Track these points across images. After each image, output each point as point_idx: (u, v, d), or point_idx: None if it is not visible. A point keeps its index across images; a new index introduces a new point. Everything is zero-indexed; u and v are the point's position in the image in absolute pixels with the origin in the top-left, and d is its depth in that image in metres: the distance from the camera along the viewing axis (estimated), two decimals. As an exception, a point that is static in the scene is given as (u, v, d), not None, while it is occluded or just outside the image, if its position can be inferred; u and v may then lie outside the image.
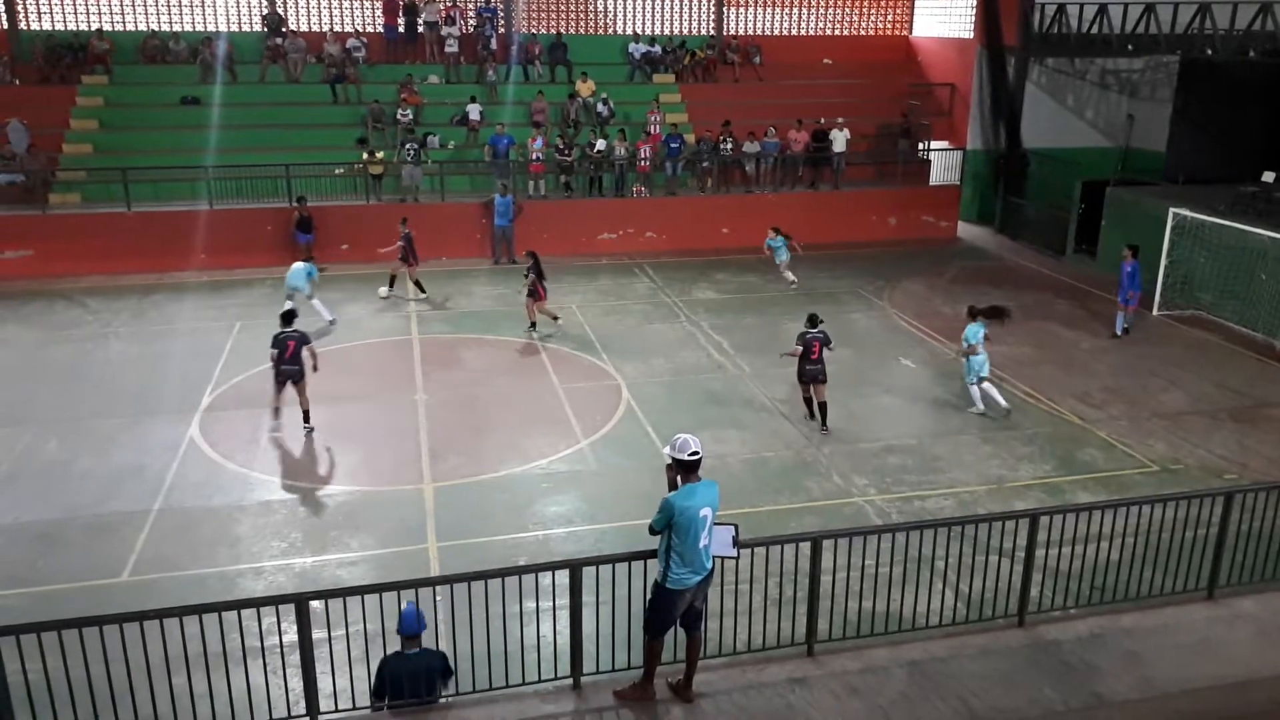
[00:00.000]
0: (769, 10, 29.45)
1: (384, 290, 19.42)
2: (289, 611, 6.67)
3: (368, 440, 13.16)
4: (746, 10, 29.32)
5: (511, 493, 11.67)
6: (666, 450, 6.67)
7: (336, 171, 22.27)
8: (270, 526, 10.83)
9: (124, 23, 25.69)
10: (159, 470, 12.03)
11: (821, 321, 13.45)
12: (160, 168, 21.30)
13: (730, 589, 7.15)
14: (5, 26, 24.69)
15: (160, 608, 6.44)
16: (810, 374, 13.33)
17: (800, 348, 13.24)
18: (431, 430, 13.36)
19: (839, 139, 24.71)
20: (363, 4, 27.02)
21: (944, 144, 26.50)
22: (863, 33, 29.95)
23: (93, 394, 14.49)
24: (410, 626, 6.65)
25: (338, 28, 26.40)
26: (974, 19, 25.96)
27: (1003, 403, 13.88)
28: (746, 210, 23.98)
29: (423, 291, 19.34)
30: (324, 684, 6.72)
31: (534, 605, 7.83)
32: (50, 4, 25.24)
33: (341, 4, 26.94)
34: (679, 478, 6.64)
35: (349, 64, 24.95)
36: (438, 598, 6.98)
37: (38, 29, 24.98)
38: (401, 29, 26.47)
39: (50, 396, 14.32)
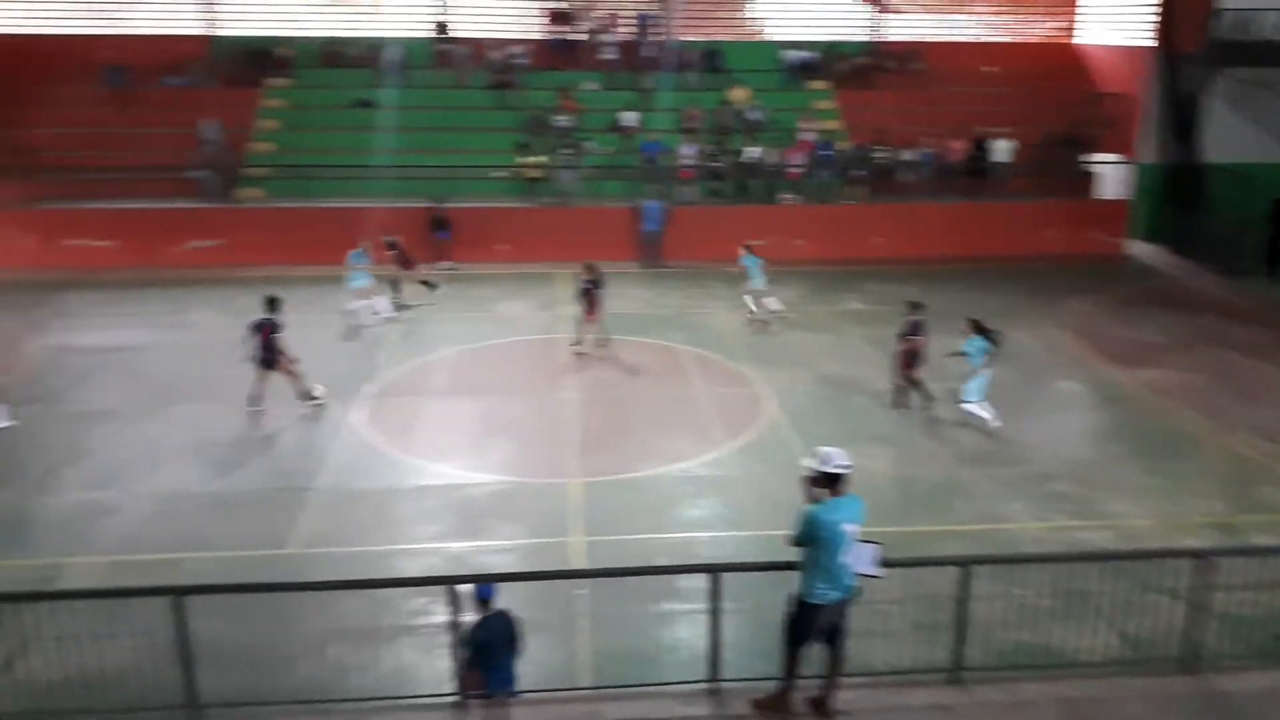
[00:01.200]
0: (928, 16, 28.71)
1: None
2: (440, 593, 6.95)
3: (518, 433, 13.57)
4: (905, 16, 28.69)
5: (654, 493, 11.82)
6: (809, 462, 6.61)
7: (496, 175, 23.04)
8: (424, 510, 11.33)
9: (307, 29, 27.35)
10: (324, 450, 12.77)
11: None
12: (335, 166, 22.53)
13: (874, 608, 7.03)
14: (205, 33, 26.73)
15: (323, 580, 6.82)
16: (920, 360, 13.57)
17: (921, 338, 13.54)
18: (579, 427, 13.67)
19: (1000, 148, 23.84)
20: (526, 13, 27.88)
21: (1113, 156, 25.17)
22: (1026, 39, 28.80)
23: (269, 375, 15.47)
24: (484, 591, 6.80)
25: (504, 35, 27.33)
26: (1149, 26, 24.55)
27: (992, 421, 13.39)
28: (900, 220, 23.46)
29: (433, 287, 19.63)
30: (472, 667, 7.00)
31: (674, 606, 7.93)
32: (243, 12, 27.14)
33: (506, 12, 27.87)
34: (824, 491, 6.57)
35: (511, 70, 25.78)
36: (582, 590, 7.19)
37: (232, 35, 26.91)
38: (562, 37, 27.17)
39: (230, 377, 15.36)
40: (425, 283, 19.70)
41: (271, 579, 6.75)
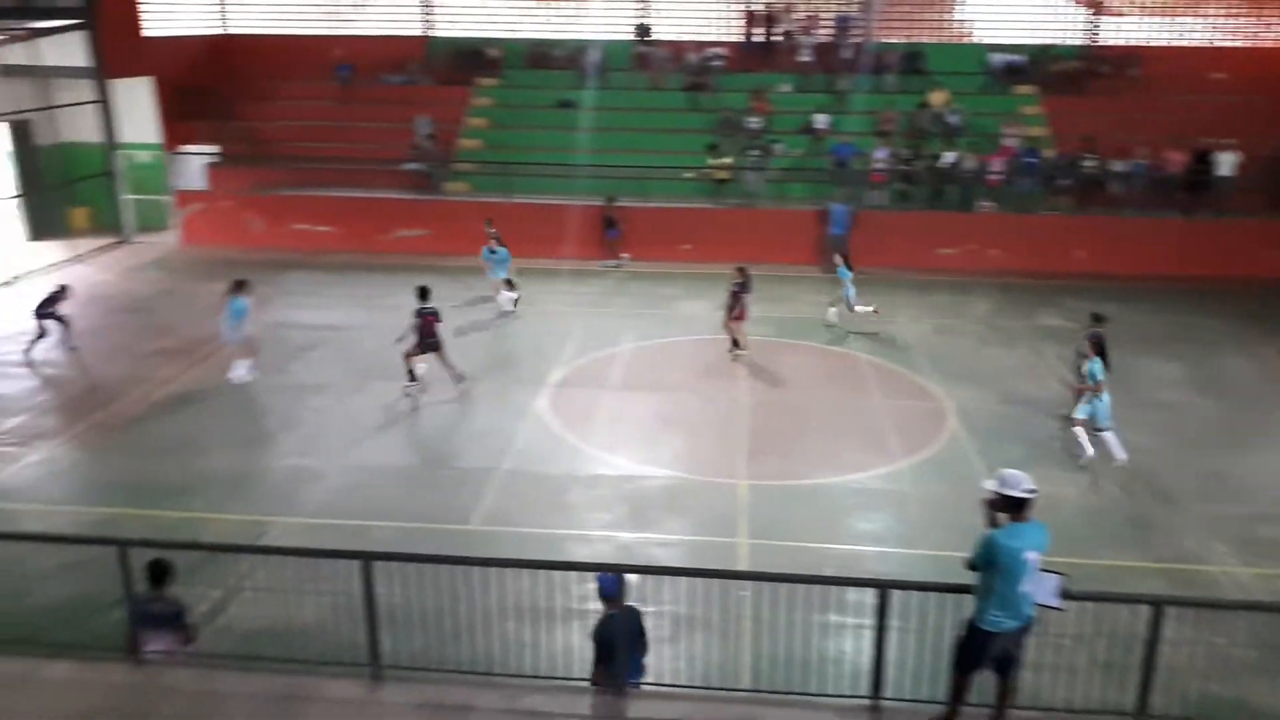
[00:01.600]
0: (1150, 19, 26.80)
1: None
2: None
3: (691, 431, 13.75)
4: (1124, 18, 26.89)
5: (824, 502, 11.71)
6: (991, 484, 6.40)
7: (686, 175, 23.34)
8: (598, 499, 11.69)
9: (516, 31, 28.61)
10: (508, 434, 13.38)
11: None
12: (536, 164, 23.43)
13: (1053, 641, 6.72)
14: (423, 34, 28.48)
15: (500, 558, 7.17)
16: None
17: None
18: (751, 429, 13.71)
19: (1225, 161, 21.98)
20: (727, 15, 28.07)
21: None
22: (1261, 44, 26.37)
23: (461, 359, 16.34)
24: (611, 588, 6.82)
25: (701, 37, 27.62)
26: None
27: (1120, 455, 12.25)
28: (1106, 234, 22.08)
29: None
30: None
31: (838, 619, 7.85)
32: (458, 14, 28.70)
33: (707, 14, 28.16)
34: (1005, 516, 6.35)
35: (707, 72, 26.01)
36: (745, 592, 7.24)
37: (446, 36, 28.51)
38: (759, 39, 27.15)
39: (430, 357, 16.32)
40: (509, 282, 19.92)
41: (453, 553, 7.16)
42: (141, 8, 24.86)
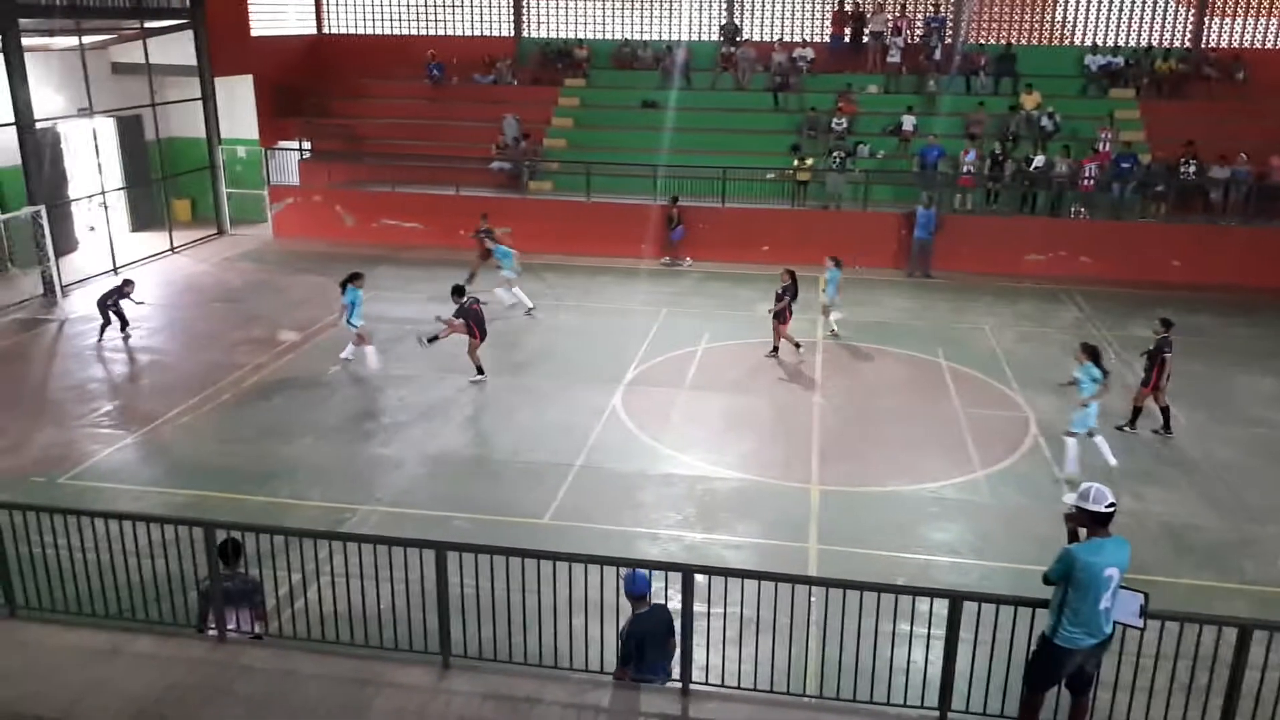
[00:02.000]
0: (1260, 19, 25.65)
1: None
2: (676, 580, 7.18)
3: (763, 433, 13.69)
4: (1231, 19, 25.80)
5: (897, 510, 11.54)
6: (1072, 498, 6.25)
7: (767, 176, 23.23)
8: (669, 498, 11.73)
9: (603, 32, 28.85)
10: (583, 431, 13.50)
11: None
12: (618, 164, 23.60)
13: (1130, 660, 6.51)
14: (512, 34, 28.93)
15: (573, 553, 7.24)
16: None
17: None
18: (824, 433, 13.58)
19: (1339, 169, 20.95)
20: (813, 15, 27.84)
21: None
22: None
23: (540, 355, 16.63)
24: (640, 587, 6.88)
25: (788, 38, 27.44)
26: None
27: (1112, 461, 12.09)
28: (1205, 243, 21.28)
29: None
30: (698, 655, 7.21)
31: (908, 628, 7.72)
32: (548, 15, 29.08)
33: (793, 15, 27.97)
34: (1085, 530, 6.20)
35: (793, 73, 25.83)
36: (812, 598, 7.16)
37: (537, 36, 28.91)
38: (847, 39, 26.86)
39: (508, 353, 16.62)
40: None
41: (525, 545, 7.26)
42: (249, 9, 25.80)
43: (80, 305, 18.51)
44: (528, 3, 29.11)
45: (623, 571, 7.03)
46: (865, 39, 26.54)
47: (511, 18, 29.10)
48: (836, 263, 17.29)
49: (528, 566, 7.02)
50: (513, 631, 7.17)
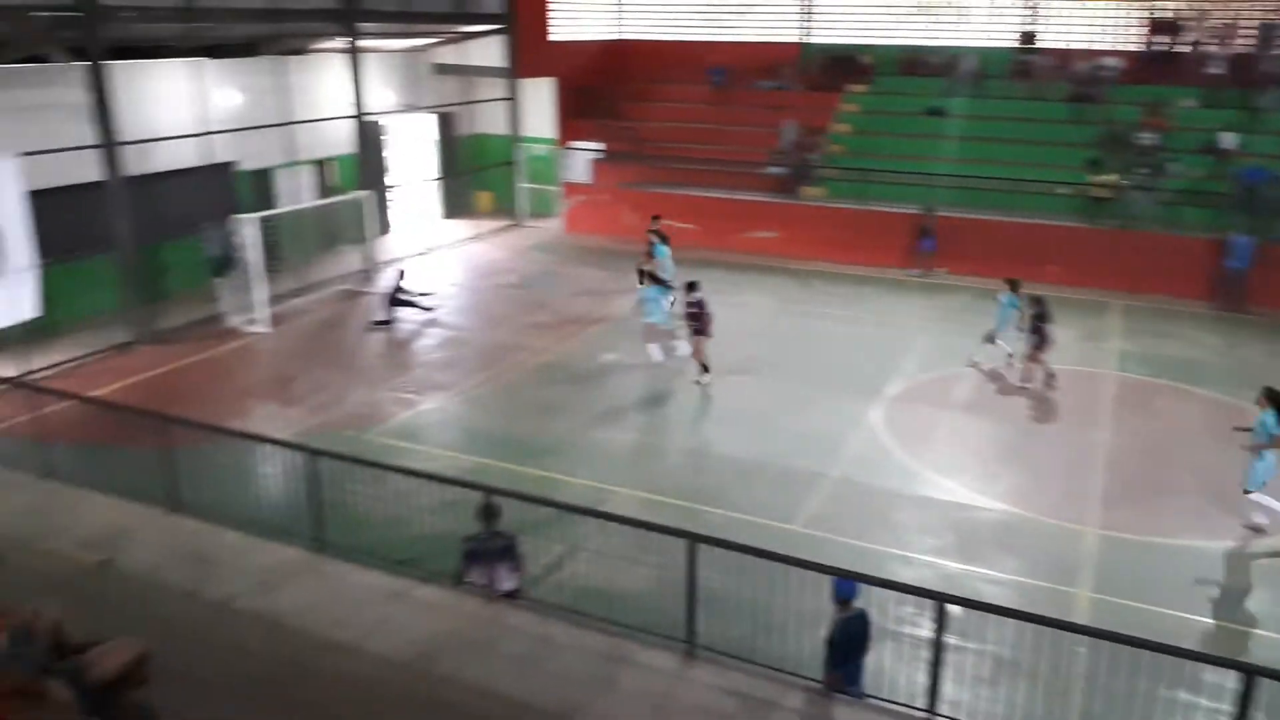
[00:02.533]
0: None
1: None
2: (928, 608, 6.98)
3: (1035, 465, 12.91)
4: None
5: (1187, 566, 10.50)
6: None
7: (1060, 191, 21.77)
8: (926, 522, 11.36)
9: (891, 38, 28.20)
10: (841, 442, 13.36)
11: None
12: (895, 172, 23.01)
13: None
14: (798, 40, 28.97)
15: (821, 563, 7.21)
16: None
17: None
18: (1108, 473, 12.59)
19: None
20: (1125, 22, 25.73)
21: None
22: None
23: (801, 362, 16.59)
24: (847, 590, 6.93)
25: (1093, 46, 25.55)
26: None
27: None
28: None
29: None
30: (947, 689, 6.97)
31: (1188, 698, 7.06)
32: (835, 21, 28.83)
33: (1101, 22, 25.99)
34: None
35: (1096, 82, 24.02)
36: (1080, 648, 6.72)
37: (823, 43, 28.76)
38: (1161, 48, 24.58)
39: (771, 357, 16.74)
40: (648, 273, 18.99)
41: (774, 549, 7.33)
42: (551, 15, 27.60)
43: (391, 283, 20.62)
44: (815, 9, 28.99)
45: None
46: (1182, 48, 24.13)
47: (798, 24, 29.12)
48: (1013, 287, 16.16)
49: (775, 570, 7.09)
50: (757, 632, 7.27)
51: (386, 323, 18.28)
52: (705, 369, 15.36)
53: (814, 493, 11.93)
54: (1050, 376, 15.43)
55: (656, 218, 20.87)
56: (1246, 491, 11.09)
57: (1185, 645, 8.10)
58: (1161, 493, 12.15)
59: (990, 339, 16.31)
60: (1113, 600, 9.75)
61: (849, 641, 6.99)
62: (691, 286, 15.54)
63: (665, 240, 19.94)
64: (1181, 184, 21.46)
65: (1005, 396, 15.21)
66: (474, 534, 8.10)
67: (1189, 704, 7.18)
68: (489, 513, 8.02)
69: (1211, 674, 6.55)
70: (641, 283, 17.06)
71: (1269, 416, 10.97)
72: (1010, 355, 16.15)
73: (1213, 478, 12.49)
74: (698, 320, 15.28)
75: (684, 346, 16.13)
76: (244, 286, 17.80)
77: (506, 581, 8.15)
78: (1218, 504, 11.80)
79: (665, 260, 19.45)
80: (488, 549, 8.04)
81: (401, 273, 19.03)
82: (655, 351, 16.34)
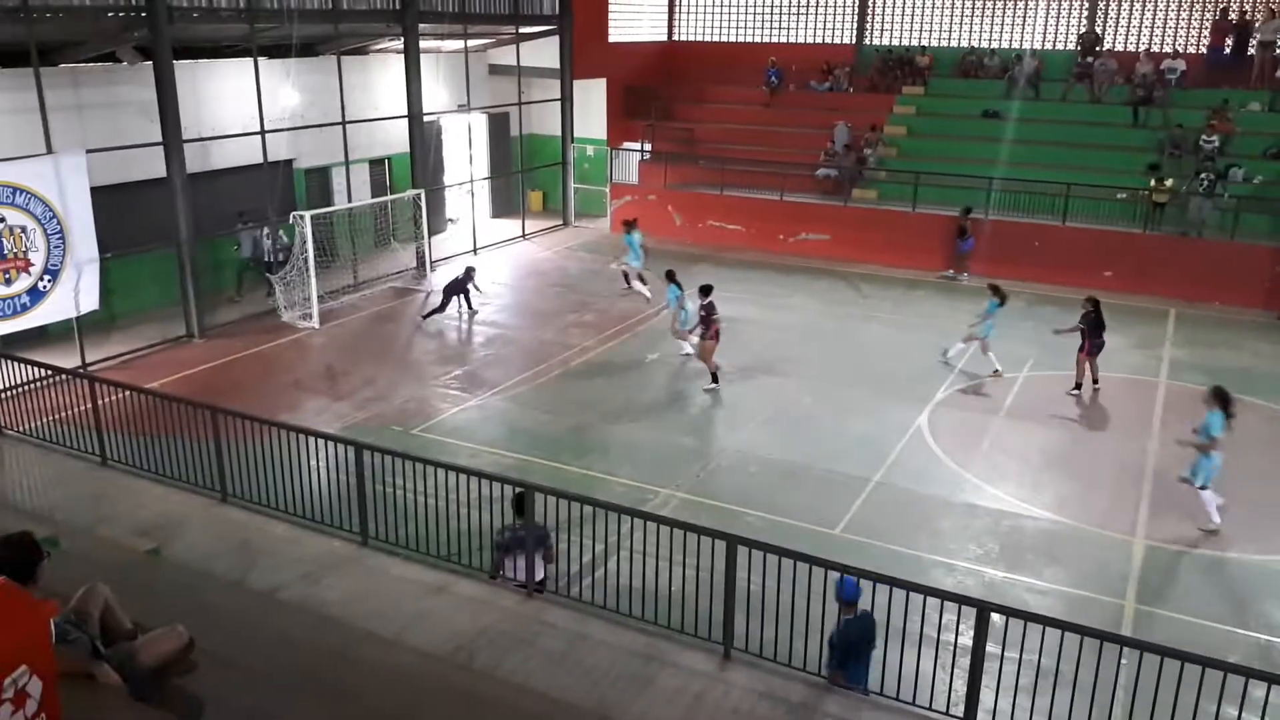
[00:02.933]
0: None
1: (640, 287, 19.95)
2: (969, 615, 6.92)
3: (1085, 474, 12.68)
4: None
5: (1238, 581, 10.26)
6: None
7: (1118, 196, 21.34)
8: (970, 529, 11.22)
9: (948, 39, 27.88)
10: (885, 447, 13.24)
11: None
12: (948, 174, 22.76)
13: None
14: (854, 40, 28.76)
15: (866, 569, 7.18)
16: None
17: None
18: (1158, 484, 12.32)
19: None
20: (1188, 24, 25.14)
21: None
22: None
23: (847, 365, 16.49)
24: (850, 592, 7.01)
25: (1156, 48, 25.02)
26: None
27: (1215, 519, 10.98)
28: None
29: (639, 283, 19.98)
30: (985, 697, 6.89)
31: (1234, 713, 6.89)
32: (892, 22, 28.57)
33: (1165, 24, 25.43)
34: None
35: (1159, 86, 23.50)
36: (1124, 660, 6.60)
37: (878, 44, 28.52)
38: (1229, 50, 23.95)
39: (816, 360, 16.66)
40: (639, 277, 20.10)
41: (814, 554, 7.31)
42: (608, 16, 27.75)
43: (442, 280, 20.88)
44: (872, 10, 28.76)
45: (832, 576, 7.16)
46: (1251, 50, 23.50)
47: (855, 25, 28.91)
48: (996, 292, 16.00)
49: (815, 574, 7.07)
50: (794, 636, 7.25)
51: (438, 311, 18.48)
52: (715, 377, 15.24)
53: (856, 498, 11.85)
54: (1095, 384, 15.13)
55: (631, 222, 20.65)
56: (1198, 486, 11.22)
57: (1233, 660, 7.94)
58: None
59: (970, 339, 16.23)
60: (1159, 612, 9.57)
61: (847, 644, 7.05)
62: (705, 291, 15.44)
63: (630, 228, 20.29)
64: (1247, 190, 20.92)
65: (1054, 403, 14.95)
66: (506, 525, 8.34)
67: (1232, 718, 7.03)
68: (520, 504, 8.19)
69: (1257, 689, 6.39)
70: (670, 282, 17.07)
71: (1215, 417, 11.06)
72: (997, 371, 15.86)
73: (1265, 489, 12.17)
74: (707, 325, 15.14)
75: (690, 346, 16.18)
76: (291, 284, 18.17)
77: (539, 571, 8.32)
78: (1269, 516, 11.50)
79: (635, 247, 19.90)
80: (521, 540, 8.21)
81: (471, 269, 19.20)
82: (686, 346, 16.35)
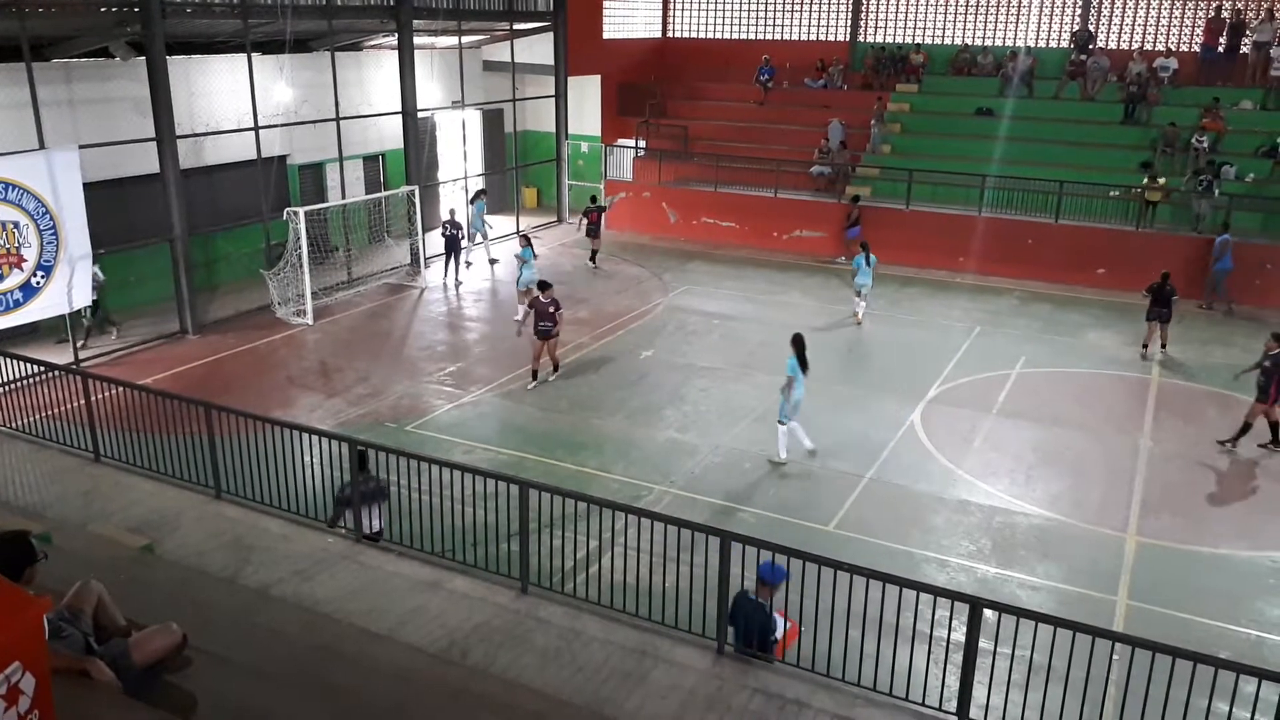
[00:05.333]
0: None
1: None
2: (962, 611, 6.94)
3: (1078, 472, 12.74)
4: None
5: (1227, 577, 10.31)
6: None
7: (1111, 194, 21.40)
8: (963, 526, 11.26)
9: (942, 37, 27.90)
10: (878, 444, 13.27)
11: None
12: (941, 172, 22.79)
13: None
14: (848, 38, 28.77)
15: (859, 565, 7.18)
16: None
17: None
18: (1149, 480, 12.38)
19: None
20: (1181, 22, 25.21)
21: None
22: None
23: (841, 362, 16.52)
24: (768, 574, 7.10)
25: (1149, 46, 25.09)
26: None
27: (807, 444, 12.69)
28: None
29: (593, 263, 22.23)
30: (978, 693, 6.92)
31: (1225, 708, 6.94)
32: (886, 20, 28.58)
33: (1158, 22, 25.49)
34: None
35: (1151, 84, 23.56)
36: (1115, 656, 6.63)
37: (872, 41, 28.52)
38: (1222, 49, 24.02)
39: (811, 357, 16.48)
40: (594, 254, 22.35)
41: (808, 550, 7.32)
42: (602, 13, 27.70)
43: (435, 278, 20.88)
44: (866, 7, 28.77)
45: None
46: (1244, 49, 23.57)
47: (849, 23, 28.92)
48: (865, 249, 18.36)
49: (808, 570, 7.08)
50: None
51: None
52: (534, 374, 15.17)
53: (849, 495, 11.88)
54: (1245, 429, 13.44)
55: (593, 197, 23.47)
56: (778, 421, 12.70)
57: (1224, 656, 7.98)
58: (1204, 501, 11.93)
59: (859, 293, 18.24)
60: (1150, 608, 9.61)
61: (736, 616, 7.24)
62: (544, 286, 15.29)
63: (475, 198, 22.31)
64: (1238, 188, 20.99)
65: (1047, 401, 14.99)
66: (347, 481, 8.90)
67: (1223, 714, 7.07)
68: (363, 460, 8.79)
69: (1248, 684, 6.42)
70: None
71: (791, 360, 12.65)
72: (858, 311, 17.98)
73: (1256, 486, 12.23)
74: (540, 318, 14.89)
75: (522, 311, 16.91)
76: (286, 281, 18.13)
77: (375, 521, 8.95)
78: (1261, 513, 11.56)
79: (476, 216, 21.81)
80: (360, 493, 8.77)
81: (452, 211, 20.58)
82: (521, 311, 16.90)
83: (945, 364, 16.33)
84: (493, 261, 22.39)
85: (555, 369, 15.44)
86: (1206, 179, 20.66)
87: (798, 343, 12.76)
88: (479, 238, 22.21)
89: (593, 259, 22.37)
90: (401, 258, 21.55)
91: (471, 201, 22.45)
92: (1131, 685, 6.31)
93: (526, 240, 18.69)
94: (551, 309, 14.97)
